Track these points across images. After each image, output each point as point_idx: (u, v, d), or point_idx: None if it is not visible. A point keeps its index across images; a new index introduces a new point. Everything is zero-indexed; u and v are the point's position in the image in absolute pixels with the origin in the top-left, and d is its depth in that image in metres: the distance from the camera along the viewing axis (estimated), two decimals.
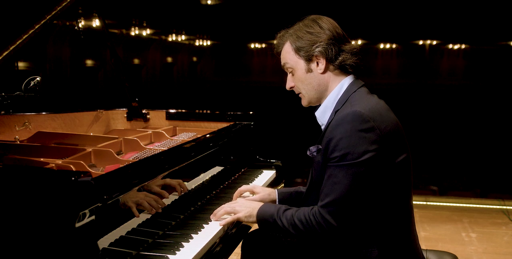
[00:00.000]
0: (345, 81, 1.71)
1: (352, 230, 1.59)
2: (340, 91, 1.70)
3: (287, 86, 1.80)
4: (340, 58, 1.69)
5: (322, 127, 1.76)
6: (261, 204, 1.76)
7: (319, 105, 1.78)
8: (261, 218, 1.71)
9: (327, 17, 1.75)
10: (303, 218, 1.62)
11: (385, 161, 1.56)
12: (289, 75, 1.78)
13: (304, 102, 1.79)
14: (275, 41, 1.80)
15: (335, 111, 1.66)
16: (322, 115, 1.74)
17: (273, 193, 1.98)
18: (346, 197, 1.54)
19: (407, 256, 1.65)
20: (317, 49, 1.68)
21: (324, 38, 1.68)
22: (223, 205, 1.81)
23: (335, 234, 1.58)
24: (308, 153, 1.71)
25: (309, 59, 1.70)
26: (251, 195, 2.02)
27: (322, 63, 1.69)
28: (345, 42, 1.71)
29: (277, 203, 1.96)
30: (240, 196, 2.02)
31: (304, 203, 1.82)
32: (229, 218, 1.76)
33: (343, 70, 1.71)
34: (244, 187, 2.03)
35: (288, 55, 1.74)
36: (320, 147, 1.65)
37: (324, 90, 1.73)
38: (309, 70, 1.71)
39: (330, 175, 1.57)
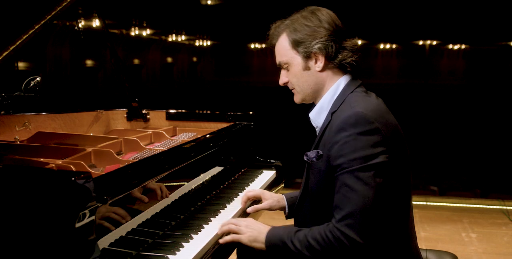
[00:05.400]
0: (342, 81, 1.62)
1: (376, 243, 1.44)
2: (336, 91, 1.61)
3: (281, 82, 1.69)
4: (340, 56, 1.59)
5: (317, 129, 1.68)
6: (268, 227, 1.60)
7: (313, 104, 1.69)
8: (270, 242, 1.56)
9: (327, 9, 1.63)
10: (318, 237, 1.46)
11: (390, 163, 1.46)
12: (283, 71, 1.68)
13: (297, 99, 1.69)
14: (270, 32, 1.69)
15: (331, 113, 1.57)
16: (317, 117, 1.65)
17: (282, 200, 1.89)
18: (364, 205, 1.40)
19: (405, 257, 1.62)
20: (316, 46, 1.57)
21: (323, 33, 1.57)
22: (230, 220, 1.68)
23: (359, 250, 1.41)
24: (305, 158, 1.61)
25: (307, 56, 1.59)
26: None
27: (321, 61, 1.59)
28: (345, 38, 1.61)
29: (286, 209, 1.88)
30: (248, 201, 1.94)
31: (298, 213, 1.73)
32: (228, 237, 1.62)
33: (342, 68, 1.62)
34: (252, 193, 1.94)
35: (284, 50, 1.63)
36: (320, 152, 1.55)
37: (320, 89, 1.63)
38: (307, 68, 1.61)
39: (341, 185, 1.44)
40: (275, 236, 1.55)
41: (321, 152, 1.55)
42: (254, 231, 1.59)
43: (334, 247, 1.44)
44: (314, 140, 1.65)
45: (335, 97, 1.61)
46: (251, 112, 2.72)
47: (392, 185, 1.49)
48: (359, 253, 1.42)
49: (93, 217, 1.27)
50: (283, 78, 1.69)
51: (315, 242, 1.47)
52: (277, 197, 1.90)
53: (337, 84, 1.62)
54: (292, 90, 1.69)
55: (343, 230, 1.42)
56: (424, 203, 4.82)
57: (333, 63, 1.60)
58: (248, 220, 1.65)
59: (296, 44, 1.60)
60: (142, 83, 7.03)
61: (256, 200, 2.00)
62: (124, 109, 2.87)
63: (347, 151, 1.44)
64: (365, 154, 1.43)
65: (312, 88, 1.63)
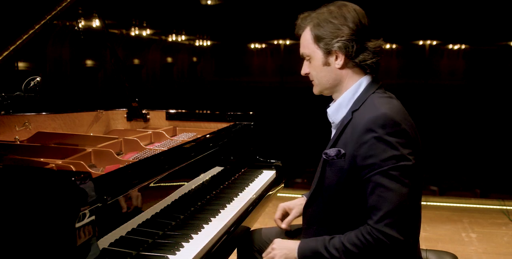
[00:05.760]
0: (363, 80, 1.62)
1: (413, 238, 1.48)
2: (358, 90, 1.61)
3: (302, 72, 1.70)
4: (361, 57, 1.59)
5: (333, 124, 1.69)
6: (297, 242, 1.61)
7: (330, 98, 1.70)
8: (304, 255, 1.57)
9: (355, 6, 1.63)
10: (356, 241, 1.48)
11: (416, 164, 1.49)
12: (306, 62, 1.68)
13: (316, 91, 1.71)
14: (296, 22, 1.69)
15: (352, 111, 1.58)
16: (335, 113, 1.66)
17: (302, 200, 1.90)
18: (400, 204, 1.44)
19: (408, 256, 1.63)
20: (336, 44, 1.57)
21: (346, 32, 1.56)
22: (263, 255, 1.69)
23: (400, 247, 1.45)
24: (324, 156, 1.60)
25: (327, 52, 1.60)
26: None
27: (341, 59, 1.60)
28: (370, 38, 1.60)
29: None
30: (281, 220, 1.90)
31: (307, 211, 1.73)
32: None
33: (363, 68, 1.62)
34: (279, 212, 1.91)
35: (306, 43, 1.65)
36: (342, 151, 1.55)
37: (338, 85, 1.64)
38: (327, 64, 1.62)
39: (375, 186, 1.46)
40: (307, 249, 1.57)
41: (343, 151, 1.55)
42: (283, 250, 1.61)
43: (374, 249, 1.45)
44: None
45: (356, 96, 1.61)
46: (251, 112, 2.72)
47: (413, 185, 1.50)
48: (399, 251, 1.45)
49: (93, 217, 1.27)
50: (305, 69, 1.70)
51: (353, 246, 1.48)
52: (299, 202, 1.90)
53: (359, 83, 1.62)
54: (312, 82, 1.71)
55: (384, 230, 1.43)
56: (424, 203, 4.81)
57: (354, 62, 1.61)
58: (276, 242, 1.67)
59: (317, 39, 1.61)
60: (142, 83, 7.02)
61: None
62: (124, 109, 2.87)
63: (377, 152, 1.45)
64: (396, 154, 1.45)
65: (331, 83, 1.65)
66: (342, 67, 1.61)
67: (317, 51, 1.62)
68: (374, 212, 1.46)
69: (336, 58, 1.60)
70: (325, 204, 1.63)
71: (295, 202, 1.92)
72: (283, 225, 1.88)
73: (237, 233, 1.88)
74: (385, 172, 1.44)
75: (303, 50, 1.67)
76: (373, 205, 1.46)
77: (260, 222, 4.01)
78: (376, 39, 1.62)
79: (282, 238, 1.73)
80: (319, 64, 1.63)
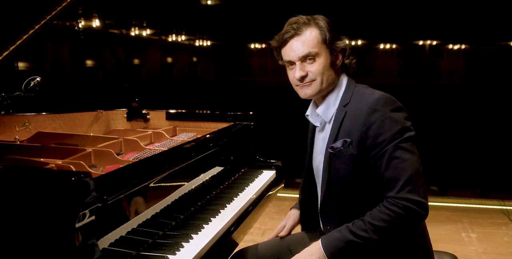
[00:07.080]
0: (343, 78, 1.76)
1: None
2: (341, 88, 1.73)
3: (300, 74, 1.68)
4: (351, 57, 1.76)
5: (319, 126, 1.77)
6: (317, 243, 1.61)
7: (310, 101, 1.81)
8: (334, 250, 1.57)
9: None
10: (383, 216, 1.53)
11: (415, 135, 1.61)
12: (303, 63, 1.68)
13: (315, 91, 1.69)
14: (300, 21, 1.70)
15: (343, 106, 1.68)
16: (326, 112, 1.74)
17: (293, 211, 2.04)
18: (416, 170, 1.54)
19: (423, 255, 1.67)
20: (341, 45, 1.71)
21: (342, 36, 1.73)
22: None
23: (426, 211, 1.53)
24: (331, 150, 1.66)
25: (333, 53, 1.70)
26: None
27: (340, 60, 1.73)
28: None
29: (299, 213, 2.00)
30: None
31: (324, 209, 1.75)
32: None
33: (345, 69, 1.77)
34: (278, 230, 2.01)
35: (314, 42, 1.68)
36: (348, 140, 1.62)
37: (333, 84, 1.74)
38: (332, 64, 1.71)
39: (389, 160, 1.54)
40: (333, 242, 1.58)
41: (349, 140, 1.63)
42: (312, 256, 1.59)
43: (404, 217, 1.51)
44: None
45: (341, 92, 1.72)
46: (251, 112, 2.72)
47: None
48: (426, 212, 1.53)
49: (93, 217, 1.27)
50: (303, 70, 1.68)
51: (381, 221, 1.52)
52: (292, 215, 2.02)
53: (340, 81, 1.75)
54: (310, 83, 1.69)
55: (408, 197, 1.51)
56: None
57: (344, 63, 1.75)
58: (297, 256, 1.63)
59: (328, 39, 1.69)
60: (142, 83, 7.02)
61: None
62: (124, 109, 2.87)
63: (386, 128, 1.56)
64: (401, 127, 1.56)
65: (330, 83, 1.72)
66: (338, 68, 1.74)
67: (325, 51, 1.70)
68: (392, 184, 1.53)
69: (337, 59, 1.72)
70: (338, 197, 1.68)
71: (288, 216, 2.03)
72: (282, 233, 1.97)
73: (237, 233, 1.88)
74: (396, 145, 1.55)
75: (311, 49, 1.67)
76: (391, 177, 1.54)
77: (260, 222, 4.01)
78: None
79: (283, 248, 1.82)
80: (326, 63, 1.70)
